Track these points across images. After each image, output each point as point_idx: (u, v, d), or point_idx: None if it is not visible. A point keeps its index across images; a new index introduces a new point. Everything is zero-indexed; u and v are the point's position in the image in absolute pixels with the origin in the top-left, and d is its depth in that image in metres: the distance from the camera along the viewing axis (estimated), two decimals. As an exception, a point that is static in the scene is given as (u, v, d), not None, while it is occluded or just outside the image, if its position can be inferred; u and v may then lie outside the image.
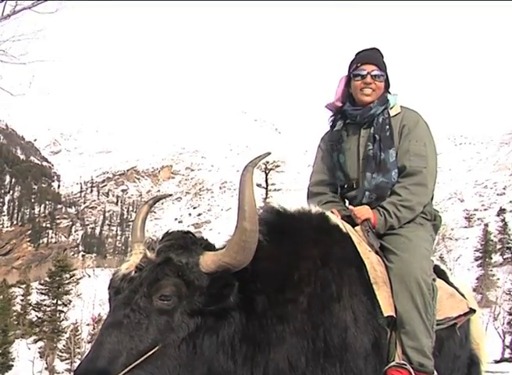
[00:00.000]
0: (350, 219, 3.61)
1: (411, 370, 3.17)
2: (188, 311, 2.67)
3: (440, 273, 3.94)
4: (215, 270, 2.69)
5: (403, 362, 3.20)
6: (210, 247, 2.90)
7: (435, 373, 3.30)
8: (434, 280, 3.47)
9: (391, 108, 3.86)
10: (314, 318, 2.97)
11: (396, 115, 3.84)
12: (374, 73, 3.80)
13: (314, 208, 3.50)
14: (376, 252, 3.44)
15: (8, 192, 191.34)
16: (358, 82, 3.82)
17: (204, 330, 2.69)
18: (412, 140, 3.72)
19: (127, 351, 2.53)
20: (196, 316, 2.68)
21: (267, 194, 39.80)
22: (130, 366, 2.49)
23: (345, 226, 3.45)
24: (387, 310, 3.19)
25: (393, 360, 3.21)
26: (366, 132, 3.82)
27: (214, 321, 2.71)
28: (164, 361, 2.59)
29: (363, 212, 3.58)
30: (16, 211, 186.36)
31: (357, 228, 3.55)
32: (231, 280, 2.69)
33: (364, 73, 3.80)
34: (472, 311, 3.84)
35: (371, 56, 3.87)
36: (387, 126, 3.76)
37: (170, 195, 4.99)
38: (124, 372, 2.47)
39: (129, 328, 2.58)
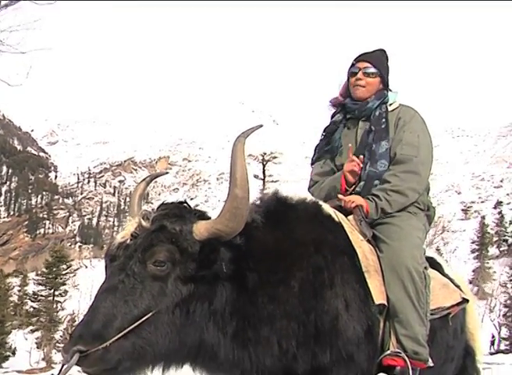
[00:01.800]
0: (343, 209, 3.64)
1: (406, 358, 3.19)
2: (181, 277, 2.73)
3: (434, 264, 3.96)
4: (208, 238, 2.74)
5: (397, 350, 3.22)
6: (204, 216, 2.95)
7: (430, 360, 3.33)
8: (426, 268, 3.48)
9: (390, 104, 3.95)
10: (305, 303, 3.00)
11: (393, 110, 3.93)
12: (366, 70, 3.93)
13: (309, 197, 3.55)
14: (369, 241, 3.46)
15: (5, 183, 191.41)
16: (352, 79, 3.97)
17: (197, 297, 2.75)
18: (406, 131, 3.78)
19: (121, 315, 2.58)
20: (189, 282, 2.74)
21: (264, 185, 39.76)
22: (125, 331, 2.55)
23: (337, 216, 3.48)
24: (378, 298, 3.21)
25: (388, 349, 3.24)
26: (364, 124, 3.93)
27: (206, 289, 2.77)
28: (157, 326, 2.65)
29: (354, 199, 3.62)
30: (12, 201, 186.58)
31: (350, 217, 3.58)
32: (217, 245, 2.75)
33: (357, 70, 3.95)
34: (465, 301, 3.86)
35: (367, 55, 4.01)
36: (383, 120, 3.85)
37: (167, 173, 5.02)
38: (118, 336, 2.53)
39: (124, 293, 2.63)
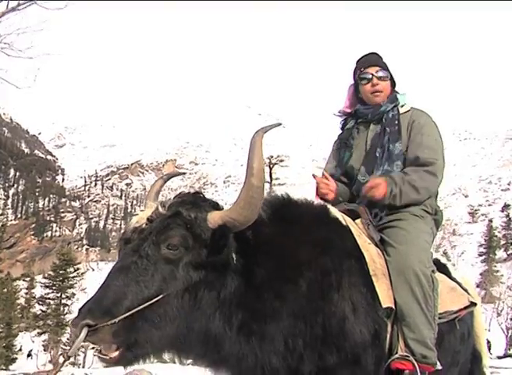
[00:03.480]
0: (351, 213, 3.64)
1: (414, 362, 3.19)
2: (193, 262, 2.77)
3: (442, 268, 3.96)
4: (221, 226, 2.78)
5: (406, 354, 3.21)
6: (218, 207, 3.00)
7: (438, 363, 3.31)
8: (433, 271, 3.47)
9: (401, 106, 3.95)
10: (313, 303, 3.00)
11: (405, 112, 3.92)
12: (378, 74, 3.92)
13: (316, 201, 3.57)
14: (376, 245, 3.46)
15: (13, 186, 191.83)
16: (367, 86, 3.94)
17: (206, 285, 2.78)
18: (424, 134, 3.78)
19: (132, 294, 2.62)
20: (199, 268, 2.77)
21: (271, 188, 39.76)
22: (134, 310, 2.58)
23: (345, 219, 3.48)
24: (386, 302, 3.20)
25: (396, 352, 3.23)
26: (375, 127, 3.93)
27: (215, 278, 2.80)
28: (166, 309, 2.68)
29: (378, 182, 3.57)
30: (20, 204, 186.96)
31: (358, 221, 3.58)
32: (227, 232, 2.78)
33: (370, 76, 3.92)
34: (473, 304, 3.85)
35: (371, 59, 4.00)
36: (396, 121, 3.85)
37: (184, 173, 5.02)
38: (128, 314, 2.56)
39: (136, 273, 2.68)
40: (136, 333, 2.62)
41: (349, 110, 4.10)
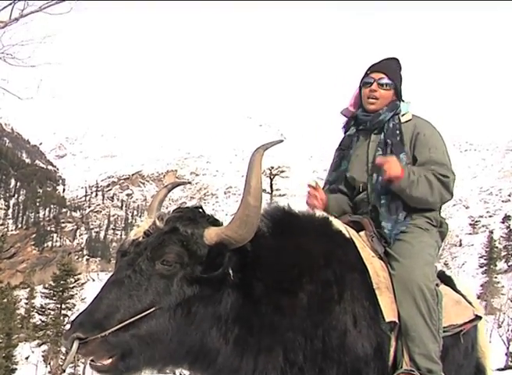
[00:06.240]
0: (355, 225, 3.60)
1: None
2: (188, 278, 2.75)
3: (447, 280, 3.94)
4: (218, 243, 2.77)
5: (411, 368, 3.18)
6: (216, 223, 2.98)
7: None
8: (437, 285, 3.46)
9: (402, 115, 3.87)
10: (313, 317, 2.97)
11: (406, 121, 3.84)
12: (381, 81, 3.84)
13: (318, 212, 3.52)
14: (380, 258, 3.43)
15: (13, 196, 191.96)
16: (366, 90, 3.88)
17: (201, 300, 2.76)
18: (432, 148, 3.71)
19: (124, 308, 2.62)
20: (194, 284, 2.75)
21: (271, 199, 39.71)
22: (125, 322, 2.58)
23: (348, 232, 3.45)
24: (389, 315, 3.17)
25: (401, 367, 3.20)
26: (376, 137, 3.85)
27: (211, 293, 2.78)
28: (158, 322, 2.67)
29: (393, 167, 3.52)
30: (20, 214, 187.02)
31: (362, 233, 3.55)
32: (224, 250, 2.76)
33: (371, 81, 3.86)
34: (478, 318, 3.82)
35: (382, 65, 3.92)
36: (397, 131, 3.77)
37: (189, 183, 5.07)
38: (118, 326, 2.56)
39: (129, 288, 2.68)
40: (127, 343, 2.61)
41: (352, 109, 4.02)
